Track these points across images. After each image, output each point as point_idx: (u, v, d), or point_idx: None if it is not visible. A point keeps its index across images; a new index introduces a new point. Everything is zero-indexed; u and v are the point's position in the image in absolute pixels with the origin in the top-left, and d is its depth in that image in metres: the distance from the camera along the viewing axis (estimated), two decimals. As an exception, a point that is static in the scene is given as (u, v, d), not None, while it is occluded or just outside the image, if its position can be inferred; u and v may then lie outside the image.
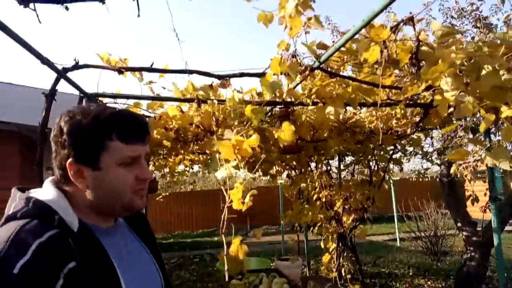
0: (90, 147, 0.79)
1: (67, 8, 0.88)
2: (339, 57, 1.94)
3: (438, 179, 4.72)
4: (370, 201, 3.86)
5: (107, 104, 0.94)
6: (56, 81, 1.67)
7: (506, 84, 1.33)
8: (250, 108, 1.62)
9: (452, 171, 4.22)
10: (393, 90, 2.24)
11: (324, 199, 4.42)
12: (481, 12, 3.32)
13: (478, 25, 3.19)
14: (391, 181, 9.72)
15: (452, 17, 3.54)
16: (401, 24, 1.26)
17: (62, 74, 1.63)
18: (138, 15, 0.89)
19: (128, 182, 0.84)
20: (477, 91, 1.36)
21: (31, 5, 0.85)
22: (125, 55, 2.08)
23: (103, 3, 0.91)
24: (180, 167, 5.17)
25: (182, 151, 3.80)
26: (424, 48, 1.44)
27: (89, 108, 0.82)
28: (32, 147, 3.38)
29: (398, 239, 8.83)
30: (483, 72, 1.33)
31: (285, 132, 1.71)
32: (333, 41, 1.69)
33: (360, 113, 2.99)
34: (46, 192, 0.83)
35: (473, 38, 3.30)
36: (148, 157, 0.78)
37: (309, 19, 1.53)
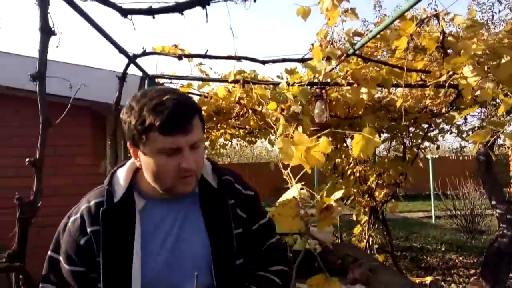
0: (136, 135, 0.86)
1: (153, 17, 1.15)
2: (373, 43, 2.11)
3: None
4: (403, 177, 4.01)
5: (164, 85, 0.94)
6: (127, 66, 1.99)
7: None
8: (298, 89, 1.86)
9: (494, 150, 4.24)
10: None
11: (358, 174, 4.61)
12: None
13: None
14: (429, 158, 9.62)
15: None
16: (426, 20, 1.42)
17: (132, 60, 1.95)
18: (206, 21, 1.13)
19: (169, 170, 0.87)
20: (497, 77, 1.52)
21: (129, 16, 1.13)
22: (183, 41, 2.38)
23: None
24: (221, 140, 5.52)
25: (225, 125, 4.14)
26: (449, 38, 1.61)
27: (144, 96, 0.87)
28: (101, 121, 3.84)
29: (433, 217, 8.85)
30: (503, 61, 1.48)
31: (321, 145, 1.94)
32: (368, 30, 1.87)
33: (395, 93, 3.13)
34: (124, 165, 1.02)
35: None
36: (199, 144, 0.89)
37: (346, 11, 1.72)
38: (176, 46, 2.43)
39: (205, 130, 0.97)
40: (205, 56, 1.97)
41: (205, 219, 0.98)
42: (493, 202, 4.37)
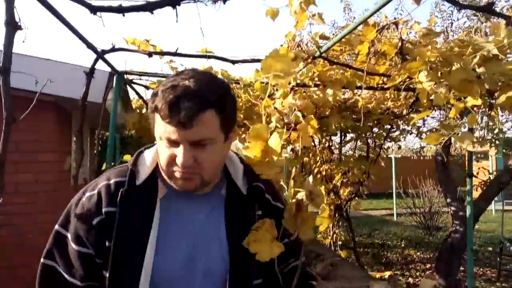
0: (151, 116, 0.82)
1: (123, 15, 1.16)
2: (339, 47, 2.20)
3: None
4: (366, 176, 4.19)
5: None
6: (95, 61, 1.97)
7: (470, 77, 1.60)
8: (260, 85, 1.92)
9: (452, 151, 4.50)
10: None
11: (324, 173, 4.75)
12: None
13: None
14: (392, 158, 10.03)
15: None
16: (385, 28, 1.52)
17: (101, 55, 1.92)
18: (177, 21, 1.15)
19: (165, 160, 0.81)
20: (449, 83, 1.64)
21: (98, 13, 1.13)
22: (156, 37, 2.37)
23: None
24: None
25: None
26: (408, 45, 1.72)
27: (177, 74, 0.83)
28: (67, 117, 3.73)
29: (395, 214, 9.24)
30: (454, 68, 1.60)
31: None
32: (334, 34, 1.96)
33: (360, 94, 3.26)
34: (152, 147, 0.94)
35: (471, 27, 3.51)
36: (206, 142, 0.79)
37: (313, 15, 1.79)
38: (147, 41, 2.41)
39: (231, 127, 0.85)
40: (175, 54, 1.98)
41: (228, 228, 0.90)
42: (448, 200, 4.64)
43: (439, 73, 1.66)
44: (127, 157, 2.03)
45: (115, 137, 2.66)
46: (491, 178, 4.58)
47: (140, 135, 2.98)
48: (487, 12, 1.60)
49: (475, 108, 2.80)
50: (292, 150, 5.68)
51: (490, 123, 3.80)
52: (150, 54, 1.93)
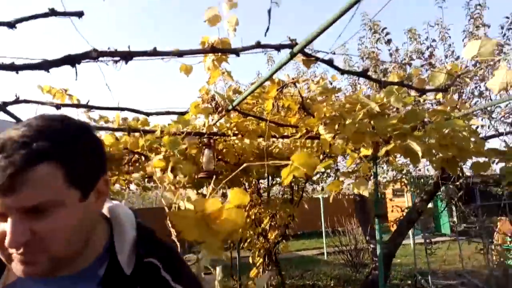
0: None
1: (17, 72, 1.13)
2: (251, 100, 2.35)
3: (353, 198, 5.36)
4: (291, 218, 4.33)
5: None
6: (-4, 113, 1.85)
7: (362, 130, 1.81)
8: (168, 140, 1.95)
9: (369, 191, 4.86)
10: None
11: (253, 216, 4.80)
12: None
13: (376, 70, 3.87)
14: (320, 198, 10.47)
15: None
16: (285, 86, 1.68)
17: (2, 108, 1.83)
18: (76, 79, 1.17)
19: None
20: (344, 135, 1.83)
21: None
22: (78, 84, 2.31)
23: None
24: (117, 186, 5.26)
25: (117, 172, 4.00)
26: (308, 101, 1.90)
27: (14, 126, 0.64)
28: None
29: (325, 253, 9.49)
30: (347, 122, 1.80)
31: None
32: (244, 89, 2.10)
33: (279, 142, 3.45)
34: None
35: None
36: (45, 207, 0.58)
37: (223, 72, 1.92)
38: (65, 90, 2.34)
39: (89, 181, 0.66)
40: (86, 106, 1.95)
41: None
42: (367, 238, 4.94)
43: (336, 126, 1.85)
44: None
45: None
46: (403, 215, 5.01)
47: None
48: (363, 77, 1.85)
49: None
50: (223, 194, 5.71)
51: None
52: (58, 107, 1.87)
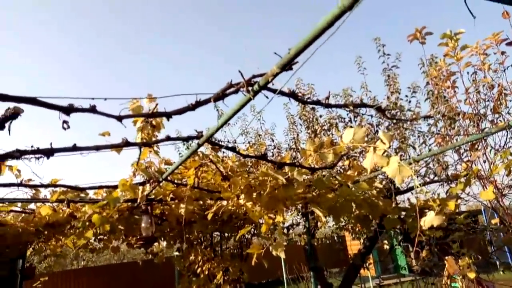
0: None
1: None
2: (184, 169, 2.55)
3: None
4: (240, 273, 4.41)
5: None
6: None
7: (276, 198, 2.04)
8: (97, 217, 2.08)
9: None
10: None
11: (206, 272, 4.82)
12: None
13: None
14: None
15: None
16: (203, 165, 1.90)
17: None
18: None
19: None
20: (260, 204, 2.05)
21: None
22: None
23: None
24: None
25: (61, 237, 3.97)
26: (229, 173, 2.13)
27: None
28: None
29: (288, 302, 9.41)
30: (262, 192, 2.03)
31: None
32: (174, 162, 2.30)
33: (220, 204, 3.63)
34: None
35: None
36: None
37: (150, 151, 2.12)
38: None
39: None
40: (20, 184, 2.06)
41: None
42: (319, 287, 5.07)
43: (254, 195, 2.07)
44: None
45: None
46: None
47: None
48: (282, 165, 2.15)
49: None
50: (178, 249, 5.67)
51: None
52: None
